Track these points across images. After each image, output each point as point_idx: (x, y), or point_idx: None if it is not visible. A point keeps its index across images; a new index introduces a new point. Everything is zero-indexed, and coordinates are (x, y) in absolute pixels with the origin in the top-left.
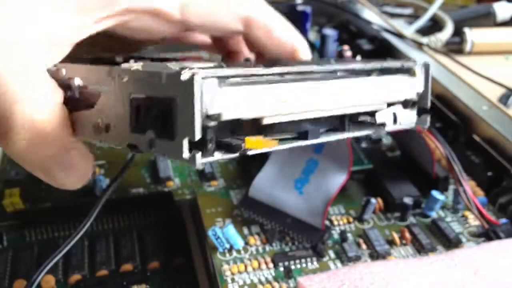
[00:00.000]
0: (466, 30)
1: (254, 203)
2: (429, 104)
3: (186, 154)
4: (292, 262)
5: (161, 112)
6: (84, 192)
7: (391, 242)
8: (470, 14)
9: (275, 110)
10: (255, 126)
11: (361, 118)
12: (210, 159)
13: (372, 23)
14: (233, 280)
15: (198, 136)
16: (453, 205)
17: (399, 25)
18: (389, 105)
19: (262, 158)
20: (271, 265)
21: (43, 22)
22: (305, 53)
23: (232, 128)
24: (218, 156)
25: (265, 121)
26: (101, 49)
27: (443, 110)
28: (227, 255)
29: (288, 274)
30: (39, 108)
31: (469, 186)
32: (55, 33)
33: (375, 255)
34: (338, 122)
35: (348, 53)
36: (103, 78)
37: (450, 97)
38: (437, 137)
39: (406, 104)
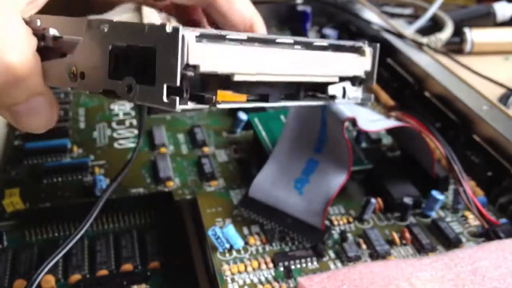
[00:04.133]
0: (466, 30)
1: (254, 203)
2: (374, 82)
3: (165, 98)
4: (292, 262)
5: (142, 60)
6: (84, 192)
7: (391, 242)
8: (470, 14)
9: (245, 69)
10: (224, 83)
11: (315, 91)
12: (185, 106)
13: (372, 23)
14: (233, 280)
15: (178, 82)
16: (453, 205)
17: (399, 25)
18: (340, 80)
19: (262, 158)
20: (271, 265)
21: None
22: (261, 28)
23: (203, 83)
24: (192, 105)
25: (236, 78)
26: (69, 9)
27: (443, 110)
28: (227, 255)
29: (288, 274)
30: (13, 52)
31: (469, 186)
32: None
33: (375, 255)
34: (295, 90)
35: None
36: (80, 29)
37: (450, 97)
38: (437, 137)
39: (354, 81)
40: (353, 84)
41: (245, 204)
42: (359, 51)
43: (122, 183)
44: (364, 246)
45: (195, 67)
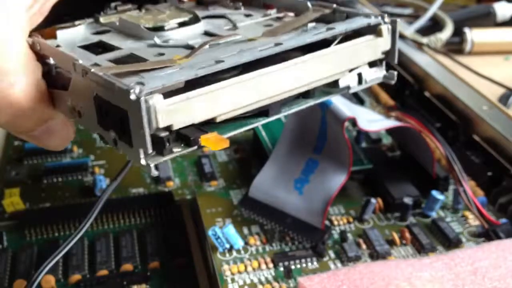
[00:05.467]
0: (466, 30)
1: (254, 203)
2: (396, 60)
3: (143, 161)
4: (292, 262)
5: (119, 119)
6: (84, 192)
7: (391, 242)
8: (470, 14)
9: (228, 108)
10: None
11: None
12: (169, 157)
13: None
14: (233, 280)
15: (150, 150)
16: (453, 205)
17: (399, 25)
18: (353, 69)
19: (262, 158)
20: (271, 265)
21: None
22: None
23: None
24: (177, 151)
25: (219, 120)
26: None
27: (443, 110)
28: (227, 255)
29: (288, 274)
30: (17, 87)
31: (469, 186)
32: None
33: (375, 255)
34: (299, 96)
35: None
36: (71, 67)
37: (450, 97)
38: (437, 137)
39: (372, 63)
40: (371, 66)
41: (245, 204)
42: (375, 31)
43: (122, 183)
44: (364, 246)
45: (168, 127)
